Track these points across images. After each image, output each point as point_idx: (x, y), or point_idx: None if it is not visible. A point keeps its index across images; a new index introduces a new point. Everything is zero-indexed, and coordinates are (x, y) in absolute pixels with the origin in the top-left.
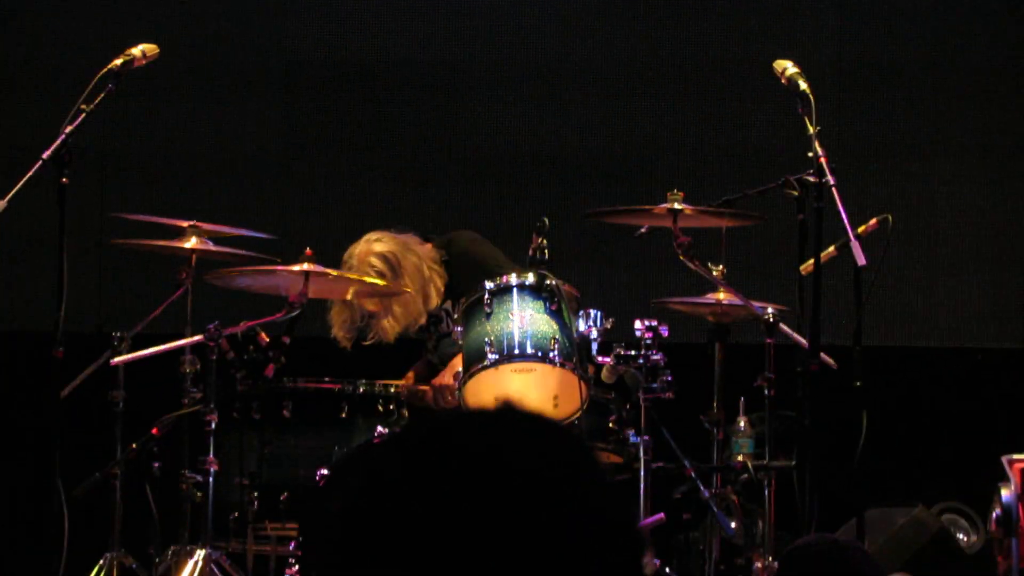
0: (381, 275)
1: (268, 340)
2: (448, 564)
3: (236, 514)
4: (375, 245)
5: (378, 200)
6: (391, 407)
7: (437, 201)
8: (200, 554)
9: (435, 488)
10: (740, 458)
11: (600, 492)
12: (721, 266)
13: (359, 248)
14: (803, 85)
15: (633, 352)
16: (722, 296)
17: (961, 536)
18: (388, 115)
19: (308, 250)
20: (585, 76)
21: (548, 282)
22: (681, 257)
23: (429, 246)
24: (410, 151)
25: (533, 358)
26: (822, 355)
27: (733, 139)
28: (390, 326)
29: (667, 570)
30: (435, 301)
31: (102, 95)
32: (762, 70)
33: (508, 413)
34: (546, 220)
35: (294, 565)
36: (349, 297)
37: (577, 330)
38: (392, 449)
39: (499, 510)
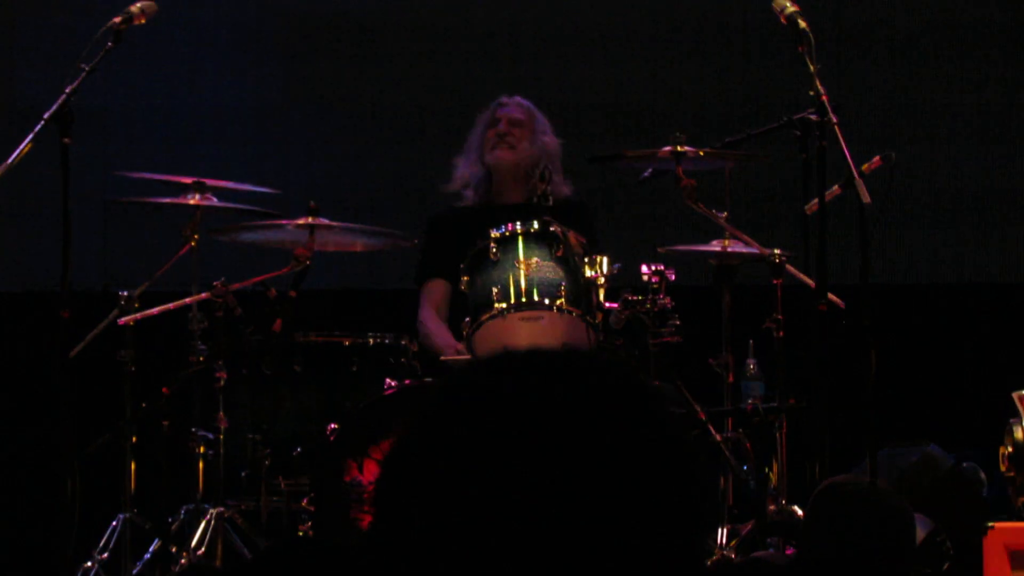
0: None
1: (275, 295)
2: (516, 496)
3: (248, 471)
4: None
5: (381, 150)
6: (402, 360)
7: (440, 150)
8: (213, 512)
9: (507, 427)
10: (750, 401)
11: (668, 431)
12: (725, 212)
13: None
14: (802, 23)
15: (640, 297)
16: (727, 238)
17: None
18: (389, 65)
19: (312, 203)
20: (587, 22)
21: (553, 229)
22: (686, 200)
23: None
24: (411, 100)
25: (540, 306)
26: (830, 295)
27: (735, 81)
28: (522, 149)
29: None
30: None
31: (102, 53)
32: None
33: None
34: (549, 167)
35: (307, 520)
36: (360, 249)
37: (583, 276)
38: (464, 391)
39: (570, 444)
